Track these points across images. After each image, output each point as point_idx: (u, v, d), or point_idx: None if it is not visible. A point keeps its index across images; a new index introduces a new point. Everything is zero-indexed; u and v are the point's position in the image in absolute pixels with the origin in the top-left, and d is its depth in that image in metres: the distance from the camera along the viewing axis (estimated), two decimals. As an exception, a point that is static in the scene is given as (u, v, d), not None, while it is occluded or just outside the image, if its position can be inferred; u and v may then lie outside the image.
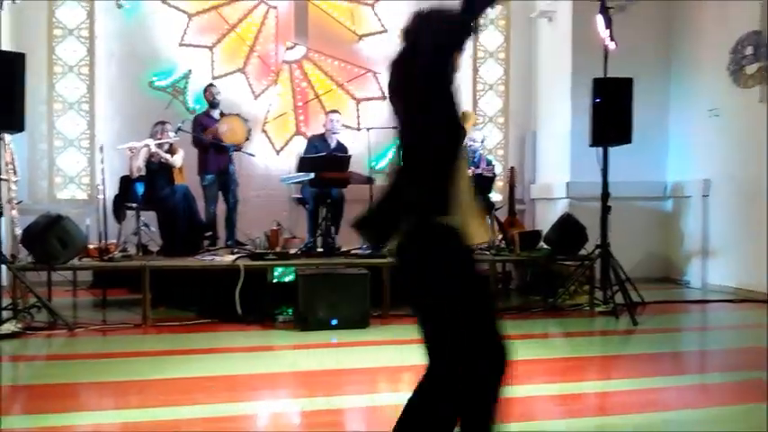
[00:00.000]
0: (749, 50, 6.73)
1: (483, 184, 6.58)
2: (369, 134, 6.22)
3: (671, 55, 7.93)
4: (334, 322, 5.00)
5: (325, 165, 5.94)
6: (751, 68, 6.70)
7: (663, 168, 7.94)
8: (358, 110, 8.21)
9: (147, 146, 6.19)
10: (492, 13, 8.57)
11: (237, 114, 6.78)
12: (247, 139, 6.77)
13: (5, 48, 6.01)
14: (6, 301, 4.92)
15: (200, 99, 7.20)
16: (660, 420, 3.14)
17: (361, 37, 8.22)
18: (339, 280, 5.13)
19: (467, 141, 7.17)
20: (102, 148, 6.11)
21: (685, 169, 7.66)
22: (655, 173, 7.90)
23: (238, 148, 6.69)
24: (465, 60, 8.37)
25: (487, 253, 6.19)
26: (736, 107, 6.90)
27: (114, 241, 5.97)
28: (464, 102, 8.45)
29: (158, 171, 6.26)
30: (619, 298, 5.53)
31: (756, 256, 6.58)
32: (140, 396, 3.45)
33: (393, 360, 4.21)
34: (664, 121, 7.92)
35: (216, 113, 6.80)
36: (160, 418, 3.09)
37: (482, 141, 7.01)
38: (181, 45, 7.85)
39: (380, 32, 8.25)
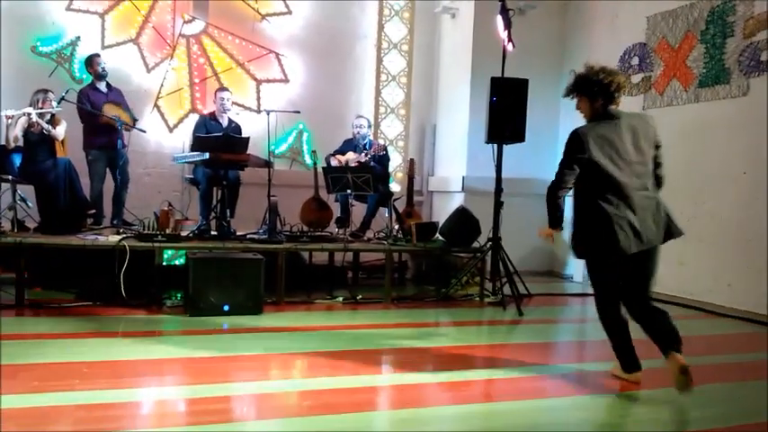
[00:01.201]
0: (635, 61, 7.17)
1: (379, 166, 6.62)
2: (269, 117, 6.08)
3: (564, 58, 8.31)
4: (227, 308, 4.87)
5: (222, 145, 5.74)
6: (636, 78, 7.15)
7: (553, 167, 8.26)
8: (258, 91, 8.01)
9: (27, 114, 5.73)
10: (397, 4, 8.63)
11: (120, 105, 6.43)
12: (134, 125, 6.45)
13: None
14: None
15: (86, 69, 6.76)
16: (542, 407, 3.30)
17: (264, 16, 8.01)
18: (232, 265, 5.00)
19: (354, 129, 7.21)
20: (-26, 114, 5.61)
21: (572, 169, 8.05)
22: (544, 171, 8.23)
23: (129, 126, 6.36)
24: (369, 49, 8.46)
25: (384, 243, 6.25)
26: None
27: (-15, 215, 5.50)
28: (367, 90, 8.51)
29: (38, 142, 5.82)
30: (507, 290, 5.76)
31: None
32: (12, 381, 3.20)
33: (285, 347, 4.15)
34: (554, 122, 8.29)
35: (102, 86, 6.42)
36: (32, 405, 2.89)
37: (368, 126, 7.06)
38: (68, 10, 7.32)
39: (284, 13, 8.07)
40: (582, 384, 3.69)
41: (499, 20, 6.01)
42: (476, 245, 6.23)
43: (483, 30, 7.60)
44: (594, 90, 3.65)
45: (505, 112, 5.83)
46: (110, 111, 6.26)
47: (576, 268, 7.81)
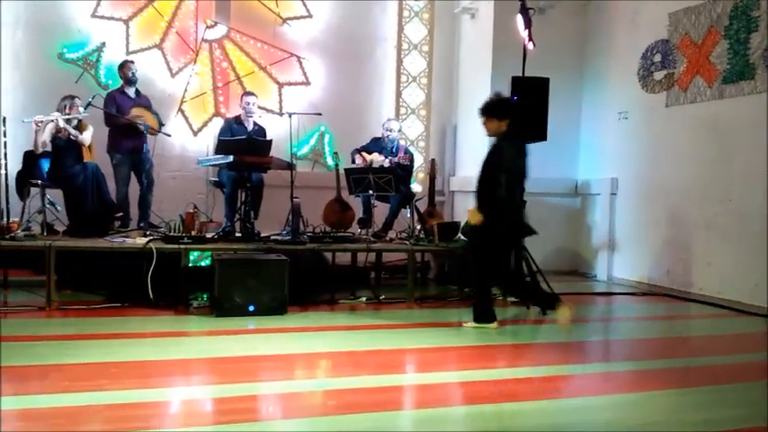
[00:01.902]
0: (657, 58, 7.11)
1: (402, 172, 6.64)
2: (291, 119, 6.13)
3: (584, 58, 8.26)
4: (252, 308, 4.93)
5: (246, 148, 5.81)
6: (659, 75, 7.09)
7: (574, 166, 8.28)
8: (280, 94, 8.08)
9: (55, 120, 5.85)
10: (417, 5, 8.65)
11: (149, 108, 6.52)
12: (160, 130, 6.54)
13: None
14: None
15: (113, 74, 6.88)
16: (566, 407, 3.29)
17: (285, 20, 8.08)
18: (257, 266, 5.05)
19: (385, 132, 7.32)
20: (4, 121, 5.71)
21: (595, 168, 8.02)
22: (566, 170, 8.23)
23: (154, 130, 6.46)
24: (389, 51, 8.49)
25: (407, 243, 6.26)
26: (643, 111, 7.28)
27: (17, 219, 5.62)
28: (388, 92, 8.54)
29: (66, 147, 5.93)
30: (530, 289, 5.73)
31: (657, 253, 7.00)
32: (42, 382, 3.29)
33: (310, 347, 4.20)
34: (576, 122, 8.25)
35: (131, 91, 6.53)
36: (61, 405, 2.96)
37: (399, 130, 7.08)
38: (93, 16, 7.46)
39: (305, 17, 8.13)
40: (608, 384, 3.68)
41: (519, 19, 6.00)
42: (498, 244, 6.20)
43: (503, 29, 7.58)
44: (505, 112, 4.72)
45: (527, 112, 5.81)
46: (137, 113, 6.36)
47: (601, 267, 7.75)
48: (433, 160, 7.59)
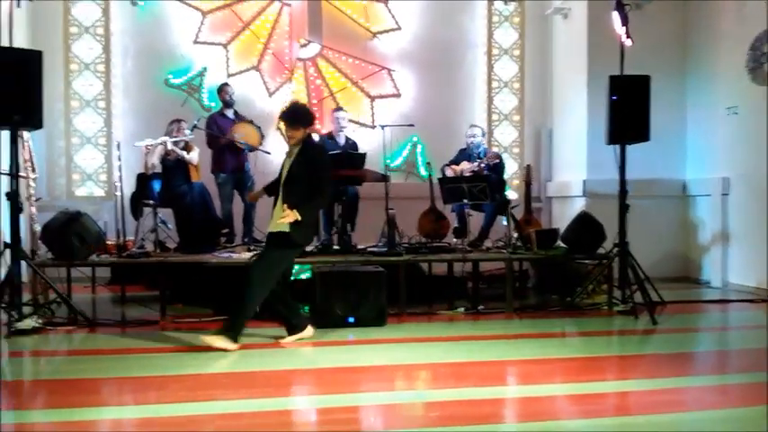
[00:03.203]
0: (766, 48, 6.65)
1: (494, 175, 6.53)
2: (383, 132, 6.21)
3: (687, 52, 7.86)
4: (352, 320, 5.00)
5: (340, 162, 5.93)
6: (771, 65, 6.63)
7: (681, 166, 7.87)
8: (372, 107, 8.21)
9: (164, 143, 6.21)
10: (506, 9, 8.55)
11: (250, 121, 6.77)
12: (261, 144, 6.78)
13: (22, 46, 6.06)
14: (27, 296, 4.96)
15: (215, 96, 7.22)
16: (680, 421, 3.11)
17: (375, 34, 8.21)
18: (356, 278, 5.13)
19: (468, 139, 7.20)
20: (118, 145, 6.13)
21: (704, 167, 7.59)
22: (673, 171, 7.84)
23: (254, 148, 6.70)
24: (479, 57, 8.43)
25: (504, 251, 6.16)
26: (754, 105, 6.81)
27: (132, 238, 6.00)
28: (479, 99, 8.48)
29: (174, 168, 6.28)
30: (638, 297, 5.49)
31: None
32: (159, 392, 3.47)
33: (410, 358, 4.20)
34: (681, 119, 7.86)
35: (230, 113, 6.82)
36: (178, 414, 3.11)
37: (482, 135, 6.99)
38: (195, 42, 7.88)
39: (394, 30, 8.23)
40: (724, 397, 3.45)
41: (615, 16, 5.79)
42: (601, 251, 6.00)
43: (597, 28, 7.37)
44: (309, 119, 4.57)
45: (627, 112, 5.58)
46: (240, 129, 6.60)
47: (714, 273, 7.31)
48: (528, 166, 7.44)
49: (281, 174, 4.63)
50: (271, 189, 4.80)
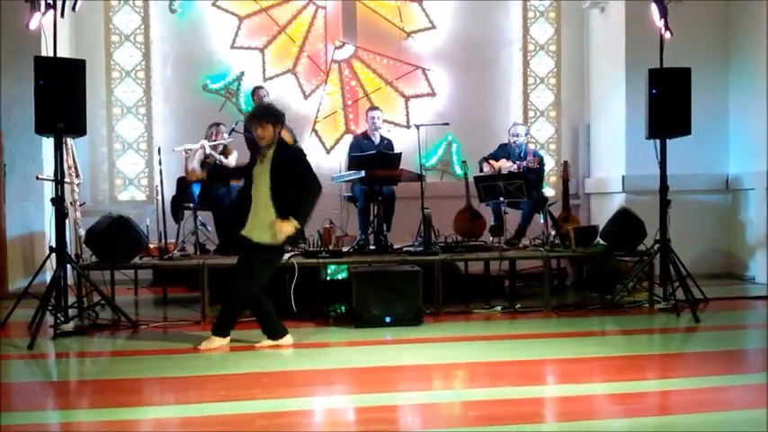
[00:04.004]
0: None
1: (533, 176, 6.47)
2: (419, 131, 6.21)
3: (729, 42, 7.66)
4: (388, 320, 5.02)
5: (376, 163, 5.95)
6: (819, 53, 6.41)
7: (724, 160, 7.68)
8: (407, 107, 8.21)
9: (203, 147, 6.33)
10: (542, 5, 8.46)
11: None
12: (295, 144, 6.83)
13: (66, 55, 6.24)
14: (72, 299, 5.11)
15: (251, 100, 7.30)
16: (724, 420, 3.04)
17: (409, 34, 8.20)
18: (392, 277, 5.14)
19: (511, 138, 7.12)
20: (159, 150, 6.27)
21: (747, 161, 7.38)
22: (715, 165, 7.65)
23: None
24: (515, 54, 8.35)
25: (541, 249, 6.10)
26: (801, 94, 6.61)
27: (173, 241, 6.12)
28: (515, 96, 8.42)
29: (214, 172, 6.38)
30: (680, 294, 5.38)
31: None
32: (200, 391, 3.54)
33: (447, 357, 4.20)
34: (723, 112, 7.66)
35: (268, 114, 6.89)
36: (219, 413, 3.17)
37: (525, 134, 6.91)
38: (233, 48, 8.00)
39: (429, 29, 8.22)
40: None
41: (654, 8, 5.69)
42: (641, 248, 5.89)
43: (636, 21, 7.25)
44: (281, 118, 4.42)
45: (667, 105, 5.48)
46: None
47: (759, 269, 7.11)
48: (565, 162, 7.35)
49: (251, 182, 4.46)
50: (240, 203, 4.64)
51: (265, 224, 4.30)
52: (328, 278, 5.75)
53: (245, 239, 4.41)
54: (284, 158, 4.36)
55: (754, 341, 4.91)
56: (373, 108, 6.99)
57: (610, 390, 3.51)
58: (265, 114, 4.39)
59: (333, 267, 5.92)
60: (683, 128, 5.51)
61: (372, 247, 6.10)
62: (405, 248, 6.09)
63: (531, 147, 7.71)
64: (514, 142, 6.73)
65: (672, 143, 5.63)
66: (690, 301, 5.29)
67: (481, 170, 6.76)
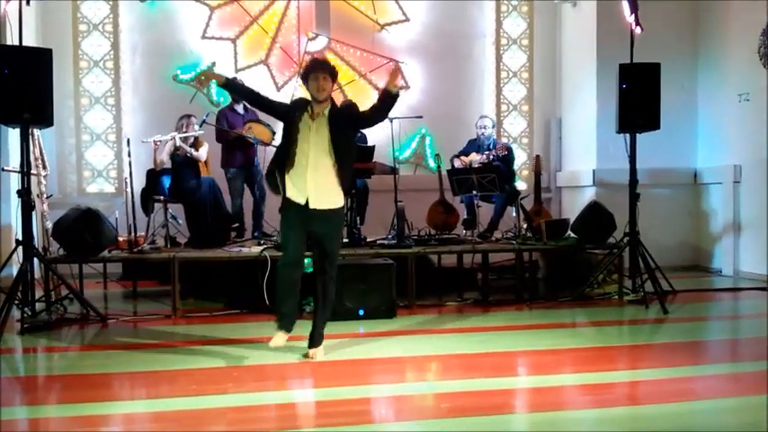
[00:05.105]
0: (780, 32, 6.57)
1: (503, 166, 6.48)
2: (392, 124, 6.19)
3: (698, 39, 7.79)
4: (362, 312, 5.02)
5: (350, 155, 5.92)
6: (784, 50, 6.55)
7: (692, 155, 7.81)
8: (381, 100, 8.17)
9: (173, 139, 6.24)
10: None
11: (258, 120, 6.73)
12: (272, 141, 6.77)
13: (32, 44, 6.09)
14: (39, 293, 5.00)
15: (224, 91, 7.20)
16: (692, 410, 3.10)
17: (383, 26, 8.18)
18: (365, 270, 5.14)
19: (478, 130, 7.06)
20: (128, 142, 6.16)
21: (715, 155, 7.53)
22: (683, 159, 7.78)
23: (263, 142, 6.70)
24: (488, 47, 8.39)
25: (513, 242, 6.14)
26: (766, 91, 6.74)
27: (143, 234, 6.04)
28: (488, 89, 8.45)
29: (184, 164, 6.30)
30: (648, 287, 5.47)
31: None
32: (171, 386, 3.50)
33: (420, 349, 4.21)
34: (692, 107, 7.80)
35: (240, 108, 6.81)
36: (190, 408, 3.14)
37: (492, 126, 6.92)
38: (204, 38, 7.89)
39: (402, 21, 8.20)
40: (735, 385, 3.44)
41: (625, 4, 5.76)
42: (611, 241, 5.97)
43: (607, 16, 7.33)
44: (336, 79, 4.07)
45: (637, 100, 5.55)
46: (249, 127, 6.59)
47: (725, 262, 7.26)
48: (537, 156, 7.41)
49: (295, 138, 3.96)
50: (279, 162, 4.10)
51: (331, 188, 3.92)
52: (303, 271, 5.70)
53: (311, 212, 3.89)
54: (343, 109, 4.26)
55: (721, 332, 5.02)
56: (347, 101, 6.96)
57: (580, 380, 3.56)
58: (331, 67, 3.96)
59: (306, 260, 5.88)
60: (652, 122, 5.59)
61: (345, 240, 6.08)
62: (378, 241, 6.08)
63: (504, 140, 7.75)
64: (483, 134, 6.75)
65: (642, 137, 5.71)
66: (658, 293, 5.38)
67: (452, 167, 6.78)
